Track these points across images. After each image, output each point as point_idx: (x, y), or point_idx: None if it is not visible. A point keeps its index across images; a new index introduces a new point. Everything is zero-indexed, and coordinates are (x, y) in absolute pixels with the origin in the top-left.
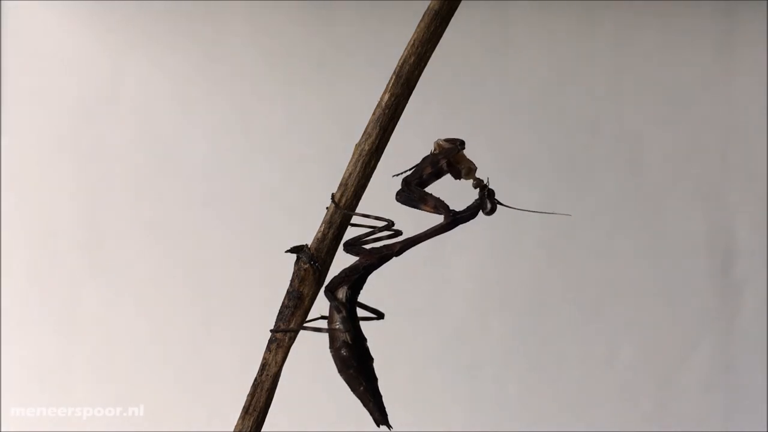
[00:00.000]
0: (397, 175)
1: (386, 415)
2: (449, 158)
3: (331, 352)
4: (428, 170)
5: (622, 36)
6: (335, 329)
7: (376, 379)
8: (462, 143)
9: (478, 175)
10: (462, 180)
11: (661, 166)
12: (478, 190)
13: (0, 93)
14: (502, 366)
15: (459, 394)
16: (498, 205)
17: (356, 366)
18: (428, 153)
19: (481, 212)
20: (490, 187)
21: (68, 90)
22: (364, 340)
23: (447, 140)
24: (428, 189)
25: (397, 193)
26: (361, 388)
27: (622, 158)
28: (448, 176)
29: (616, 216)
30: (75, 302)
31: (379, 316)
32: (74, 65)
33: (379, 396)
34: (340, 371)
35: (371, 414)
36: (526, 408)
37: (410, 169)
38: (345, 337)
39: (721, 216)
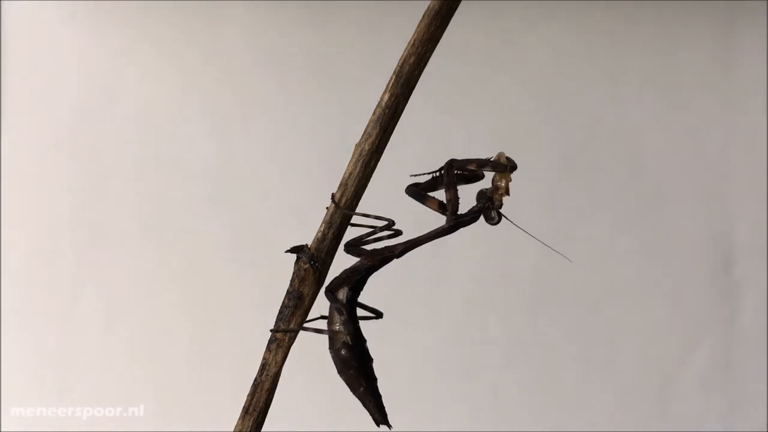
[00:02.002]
0: (415, 175)
1: (386, 415)
2: (495, 169)
3: (330, 353)
4: (473, 166)
5: (621, 36)
6: (336, 330)
7: (375, 380)
8: (513, 168)
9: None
10: (487, 193)
11: (661, 166)
12: (482, 199)
13: (0, 93)
14: (501, 366)
15: (458, 394)
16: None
17: (356, 367)
18: (488, 157)
19: (482, 218)
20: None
21: (68, 90)
22: (364, 341)
23: (508, 158)
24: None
25: (408, 187)
26: (361, 388)
27: (622, 158)
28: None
29: (616, 216)
30: (75, 302)
31: (378, 315)
32: (74, 65)
33: (379, 396)
34: (340, 372)
35: (371, 414)
36: (526, 408)
37: (428, 173)
38: (345, 338)
39: (721, 216)
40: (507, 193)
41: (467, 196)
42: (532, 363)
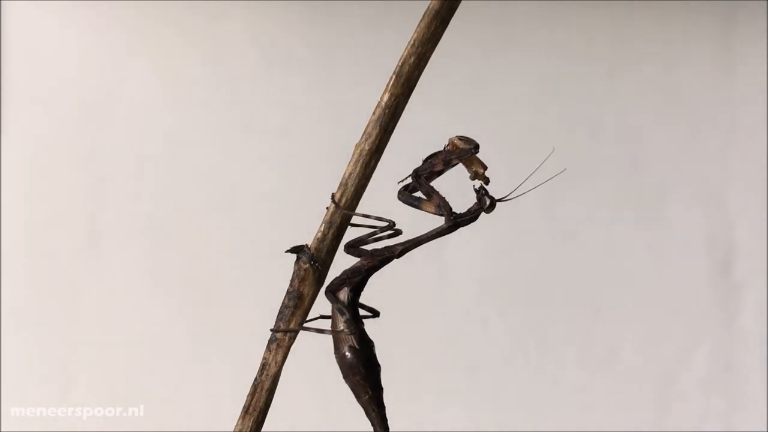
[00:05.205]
0: (402, 181)
1: (388, 428)
2: (461, 159)
3: (336, 357)
4: (439, 166)
5: (621, 36)
6: (340, 332)
7: (381, 389)
8: (476, 147)
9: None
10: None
11: (661, 166)
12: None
13: (0, 93)
14: (502, 366)
15: (459, 394)
16: (497, 201)
17: (363, 373)
18: (441, 148)
19: (483, 213)
20: (484, 187)
21: (68, 90)
22: (371, 344)
23: (462, 139)
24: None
25: (399, 192)
26: (366, 396)
27: (622, 158)
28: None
29: (616, 216)
30: (75, 302)
31: (375, 314)
32: (74, 65)
33: (383, 407)
34: (345, 377)
35: (372, 425)
36: (526, 408)
37: (409, 176)
38: (351, 341)
39: (721, 216)
40: (484, 168)
41: (466, 194)
42: (532, 363)
